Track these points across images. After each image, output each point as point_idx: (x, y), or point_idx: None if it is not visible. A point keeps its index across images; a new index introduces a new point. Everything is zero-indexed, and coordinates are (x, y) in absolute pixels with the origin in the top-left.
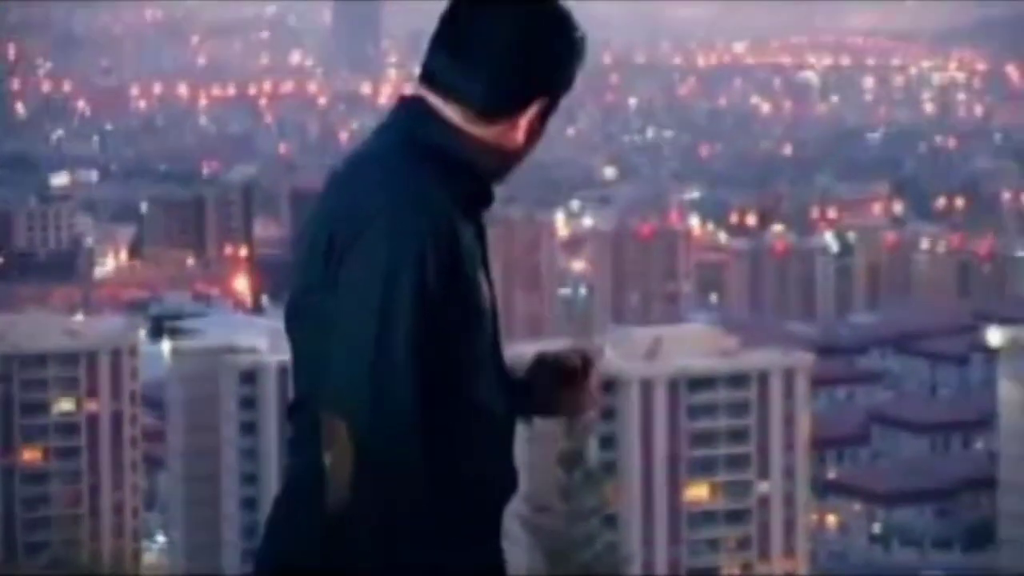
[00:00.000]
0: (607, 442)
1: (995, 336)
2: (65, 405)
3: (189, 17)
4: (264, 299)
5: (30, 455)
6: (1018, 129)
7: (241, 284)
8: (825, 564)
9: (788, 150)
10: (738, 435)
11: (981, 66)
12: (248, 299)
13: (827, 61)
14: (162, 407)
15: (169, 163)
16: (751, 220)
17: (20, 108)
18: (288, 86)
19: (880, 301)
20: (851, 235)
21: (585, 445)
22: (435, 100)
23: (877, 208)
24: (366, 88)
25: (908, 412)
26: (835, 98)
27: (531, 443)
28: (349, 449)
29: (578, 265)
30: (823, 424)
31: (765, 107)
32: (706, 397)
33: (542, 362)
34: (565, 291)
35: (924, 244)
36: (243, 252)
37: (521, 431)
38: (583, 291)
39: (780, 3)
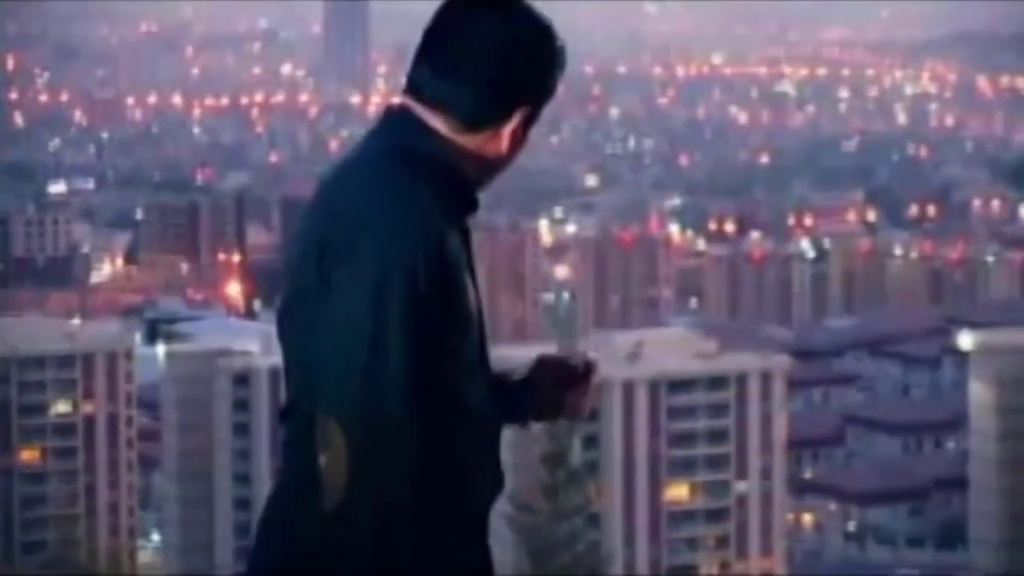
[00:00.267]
0: (590, 442)
1: (966, 340)
2: (62, 407)
3: (183, 30)
4: (256, 304)
5: (28, 455)
6: (988, 138)
7: (234, 289)
8: (801, 562)
9: (765, 159)
10: (717, 436)
11: (952, 77)
12: (241, 304)
13: (803, 72)
14: (157, 409)
15: (164, 171)
16: (729, 227)
17: (18, 118)
18: (279, 97)
19: (855, 306)
20: (826, 241)
21: (568, 446)
22: (421, 110)
23: (852, 215)
24: (355, 98)
25: (882, 413)
26: (811, 108)
27: (516, 443)
28: (343, 450)
29: (561, 271)
30: (799, 425)
31: (743, 117)
32: (686, 399)
33: (544, 364)
34: (548, 296)
35: (897, 250)
36: (236, 258)
37: (506, 432)
38: (566, 296)
39: (757, 16)
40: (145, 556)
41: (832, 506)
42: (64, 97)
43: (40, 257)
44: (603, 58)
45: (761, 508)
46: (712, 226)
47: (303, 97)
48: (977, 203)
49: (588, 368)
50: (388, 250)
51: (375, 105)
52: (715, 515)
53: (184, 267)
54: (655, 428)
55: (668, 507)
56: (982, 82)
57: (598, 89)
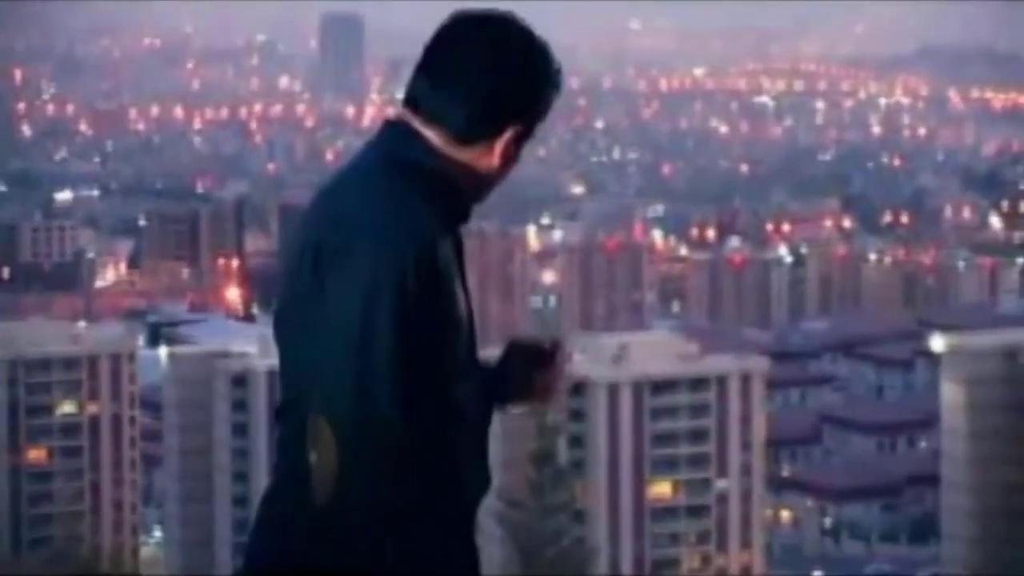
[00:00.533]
0: (575, 442)
1: (938, 342)
2: (68, 407)
3: (184, 44)
4: (255, 307)
5: (35, 454)
6: (959, 148)
7: (233, 293)
8: (779, 556)
9: (745, 169)
10: (698, 435)
11: (924, 90)
12: (240, 307)
13: (781, 86)
14: (159, 409)
15: (166, 181)
16: (710, 234)
17: (26, 129)
18: (277, 109)
19: (831, 309)
20: (804, 248)
21: (555, 445)
22: (417, 123)
23: (828, 222)
24: (350, 111)
25: (857, 413)
26: (789, 120)
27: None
28: (333, 448)
29: (548, 276)
30: (777, 425)
31: (723, 129)
32: (668, 400)
33: (514, 348)
34: (536, 300)
35: (872, 256)
36: (235, 264)
37: (495, 431)
38: (553, 300)
39: (737, 32)
40: (147, 551)
41: (809, 502)
42: (69, 109)
43: (46, 263)
44: (589, 72)
45: (741, 504)
46: (694, 233)
47: (300, 109)
48: (948, 210)
49: (555, 347)
50: (379, 255)
51: (369, 117)
52: (696, 511)
53: (185, 272)
54: (639, 428)
55: (651, 504)
56: (953, 94)
57: (584, 102)
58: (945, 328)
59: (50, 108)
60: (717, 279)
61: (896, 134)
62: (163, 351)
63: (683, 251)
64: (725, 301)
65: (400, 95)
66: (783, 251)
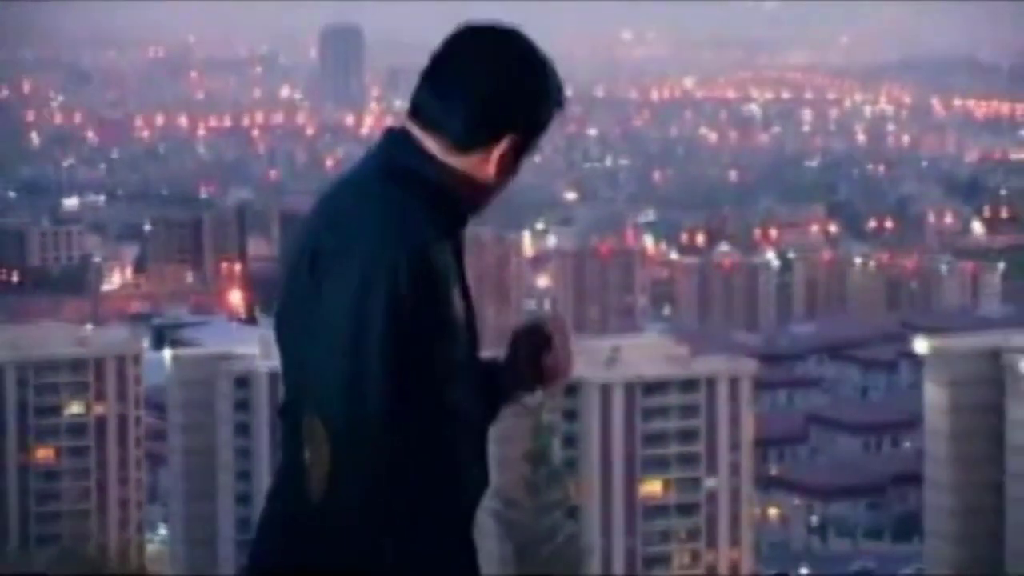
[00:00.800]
0: (569, 442)
1: (921, 344)
2: (75, 408)
3: (188, 55)
4: (257, 310)
5: (43, 454)
6: (942, 156)
7: (236, 297)
8: (767, 553)
9: (733, 176)
10: (688, 435)
11: (908, 99)
12: (242, 311)
13: (769, 95)
14: (163, 409)
15: (170, 187)
16: (700, 239)
17: (34, 137)
18: (278, 117)
19: (817, 313)
20: (791, 253)
21: (549, 444)
22: (417, 131)
23: (814, 228)
24: (349, 119)
25: (842, 414)
26: (776, 129)
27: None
28: (326, 447)
29: (543, 280)
30: (765, 425)
31: (712, 137)
32: (659, 401)
33: (518, 335)
34: (531, 304)
35: (857, 261)
36: (237, 268)
37: (491, 431)
38: (547, 304)
39: (726, 43)
40: (152, 548)
41: (796, 500)
42: (77, 118)
43: (55, 267)
44: (582, 82)
45: (730, 502)
46: (684, 238)
47: (300, 118)
48: (931, 216)
49: (556, 327)
50: (373, 258)
51: (368, 125)
52: (686, 509)
53: (189, 276)
54: (631, 428)
55: (643, 502)
56: (935, 103)
57: (578, 110)
58: (928, 331)
59: (58, 117)
60: (707, 283)
61: (880, 142)
62: (167, 353)
63: (674, 256)
64: (714, 305)
65: (399, 104)
66: (771, 256)
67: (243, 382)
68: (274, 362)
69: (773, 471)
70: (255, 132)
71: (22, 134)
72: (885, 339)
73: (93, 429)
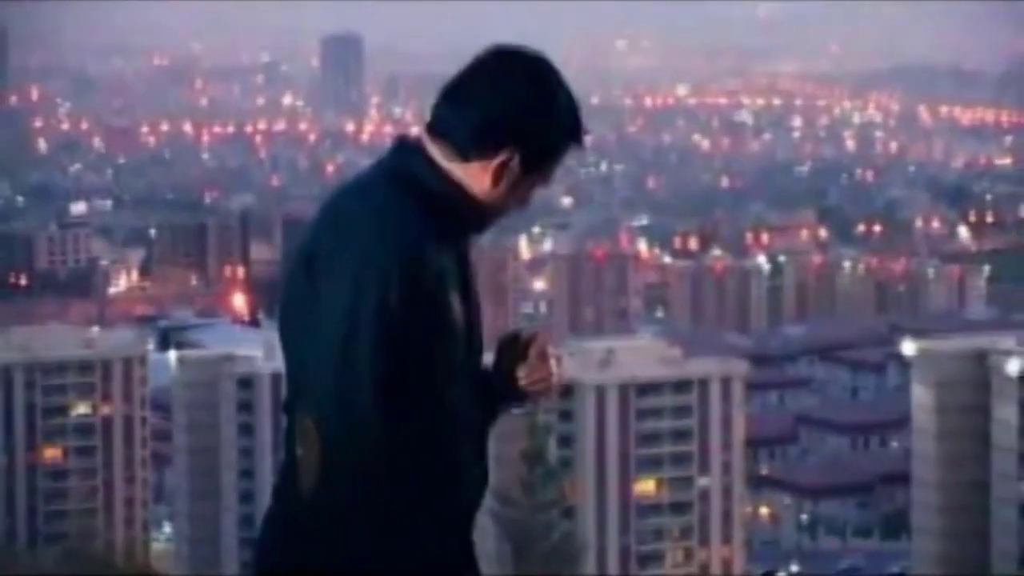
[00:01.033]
0: (565, 441)
1: (909, 347)
2: (82, 408)
3: (192, 63)
4: (259, 313)
5: (51, 453)
6: (929, 163)
7: (239, 300)
8: (759, 550)
9: (725, 182)
10: (681, 435)
11: (896, 107)
12: (245, 313)
13: (760, 103)
14: (169, 410)
15: (175, 193)
16: (693, 244)
17: (42, 144)
18: (281, 124)
19: (807, 315)
20: (781, 257)
21: (545, 444)
22: (426, 139)
23: (804, 233)
24: (350, 126)
25: (832, 414)
26: (767, 136)
27: (497, 441)
28: (317, 446)
29: (539, 284)
30: (756, 425)
31: (705, 144)
32: (653, 401)
33: (501, 344)
34: (528, 307)
35: (846, 264)
36: (241, 272)
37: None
38: (544, 307)
39: (718, 52)
40: (158, 546)
41: (786, 499)
42: (83, 125)
43: (62, 271)
44: (577, 90)
45: (721, 501)
46: (677, 243)
47: (302, 125)
48: (919, 221)
49: (533, 340)
50: (366, 260)
51: (368, 132)
52: (679, 508)
53: (194, 279)
54: (625, 428)
55: (637, 500)
56: (923, 111)
57: None
58: (916, 333)
59: (65, 124)
60: (699, 287)
61: (869, 149)
62: (172, 355)
63: (667, 260)
64: (707, 307)
65: (398, 111)
66: (762, 260)
67: (246, 383)
68: (277, 364)
69: (764, 470)
70: (258, 139)
71: (30, 140)
72: (873, 341)
73: (100, 429)
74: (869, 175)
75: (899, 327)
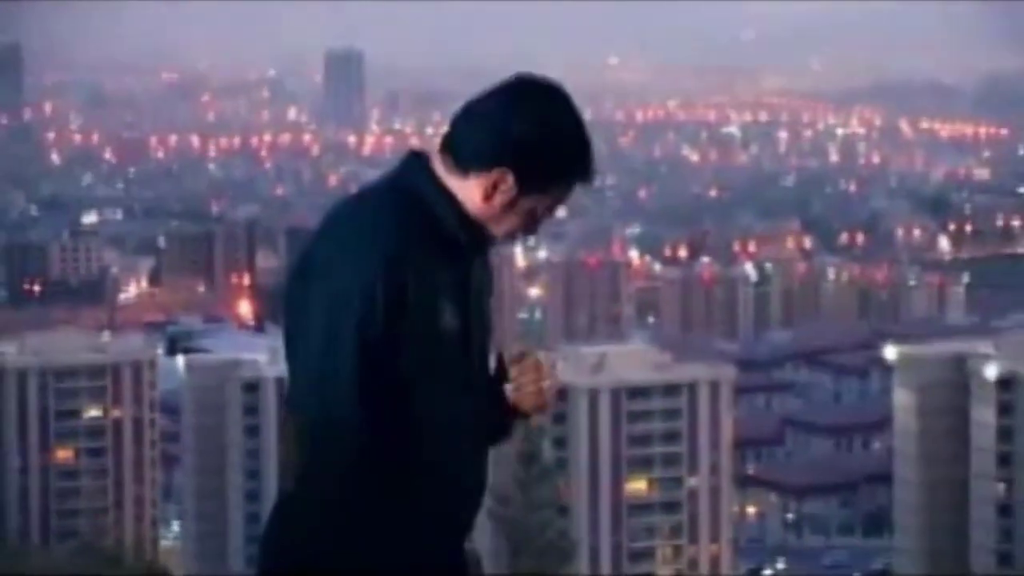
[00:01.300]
0: (559, 443)
1: (891, 352)
2: (93, 411)
3: (200, 79)
4: (264, 319)
5: (63, 454)
6: (910, 174)
7: (245, 307)
8: (746, 548)
9: (713, 193)
10: (671, 437)
11: (878, 121)
12: (251, 320)
13: (747, 117)
14: (177, 412)
15: (183, 203)
16: (682, 252)
17: (55, 157)
18: (285, 138)
19: (793, 322)
20: (768, 265)
21: (540, 445)
22: (433, 153)
23: (790, 242)
24: (352, 140)
25: (816, 417)
26: (754, 149)
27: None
28: (298, 445)
29: (534, 291)
30: (744, 427)
31: (694, 156)
32: (643, 404)
33: (498, 362)
34: (523, 314)
35: (830, 273)
36: (246, 280)
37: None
38: (538, 314)
39: (706, 68)
40: (166, 544)
41: (773, 498)
42: (95, 138)
43: (74, 279)
44: None
45: (710, 500)
46: (667, 251)
47: (306, 138)
48: (900, 231)
49: (520, 360)
50: (352, 268)
51: (369, 145)
52: (669, 507)
53: (201, 287)
54: (617, 430)
55: (628, 500)
56: (904, 125)
57: None
58: (897, 338)
59: (77, 138)
60: (689, 294)
61: (852, 161)
62: (181, 360)
63: (658, 268)
64: (696, 314)
65: (398, 125)
66: (749, 269)
67: (252, 387)
68: (281, 368)
69: (751, 471)
70: (263, 152)
71: (44, 153)
72: (857, 346)
73: (110, 431)
74: (852, 186)
75: (881, 333)
